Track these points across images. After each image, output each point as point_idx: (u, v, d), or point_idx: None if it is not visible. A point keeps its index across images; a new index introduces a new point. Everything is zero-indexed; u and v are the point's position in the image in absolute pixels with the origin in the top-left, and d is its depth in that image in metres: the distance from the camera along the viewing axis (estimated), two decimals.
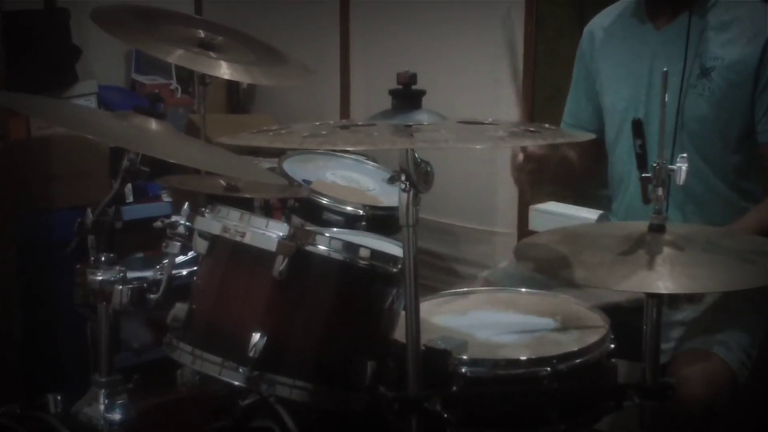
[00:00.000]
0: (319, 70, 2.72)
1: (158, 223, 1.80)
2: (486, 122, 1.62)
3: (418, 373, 1.51)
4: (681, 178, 1.59)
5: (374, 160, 2.90)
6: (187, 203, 1.79)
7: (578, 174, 2.39)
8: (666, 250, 1.57)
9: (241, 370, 1.63)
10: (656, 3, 2.16)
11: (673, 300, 1.67)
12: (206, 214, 1.74)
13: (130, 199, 2.94)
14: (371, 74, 3.51)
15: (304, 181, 2.59)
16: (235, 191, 2.17)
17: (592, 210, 2.74)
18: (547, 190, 3.02)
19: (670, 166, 1.58)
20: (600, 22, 2.32)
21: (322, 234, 1.73)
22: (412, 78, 1.52)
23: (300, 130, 1.55)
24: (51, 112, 1.94)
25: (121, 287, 1.81)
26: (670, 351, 1.95)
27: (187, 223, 1.76)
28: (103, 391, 1.86)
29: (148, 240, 1.96)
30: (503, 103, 3.10)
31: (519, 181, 2.15)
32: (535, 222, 3.01)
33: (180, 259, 1.85)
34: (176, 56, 2.22)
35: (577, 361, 1.67)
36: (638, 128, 1.63)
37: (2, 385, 2.77)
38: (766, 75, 2.05)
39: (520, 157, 2.07)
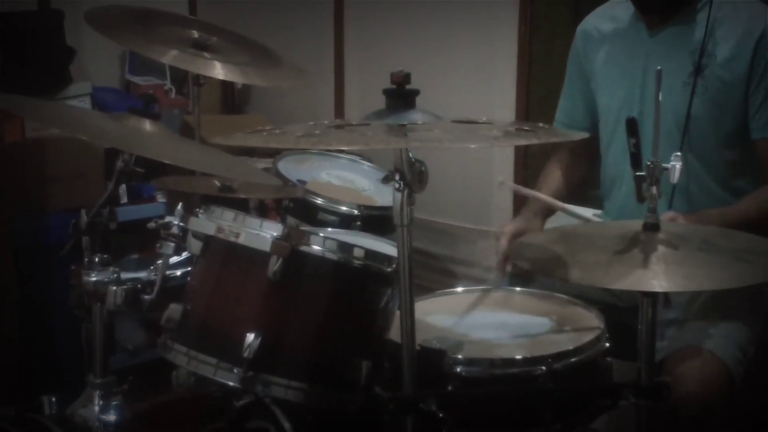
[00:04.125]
0: (314, 71, 2.73)
1: (152, 224, 1.79)
2: (480, 121, 1.62)
3: (413, 373, 1.51)
4: (675, 176, 1.59)
5: (369, 160, 2.89)
6: (181, 204, 1.78)
7: (574, 188, 2.41)
8: (661, 248, 1.57)
9: (235, 370, 1.62)
10: (649, 3, 2.16)
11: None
12: (200, 215, 1.73)
13: (125, 200, 2.92)
14: (365, 74, 3.51)
15: (298, 181, 2.59)
16: (229, 192, 2.17)
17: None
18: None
19: (664, 165, 1.58)
20: (594, 22, 2.31)
21: (317, 234, 1.73)
22: (406, 77, 1.51)
23: (294, 130, 1.55)
24: (45, 113, 1.94)
25: (115, 288, 1.80)
26: (665, 349, 1.94)
27: (181, 224, 1.76)
28: (98, 392, 1.87)
29: (142, 241, 1.95)
30: (497, 102, 3.11)
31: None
32: None
33: (174, 259, 1.84)
34: (170, 57, 2.22)
35: (573, 360, 1.68)
36: (632, 127, 1.63)
37: (0, 387, 2.76)
38: (758, 72, 2.05)
39: (503, 243, 2.08)
